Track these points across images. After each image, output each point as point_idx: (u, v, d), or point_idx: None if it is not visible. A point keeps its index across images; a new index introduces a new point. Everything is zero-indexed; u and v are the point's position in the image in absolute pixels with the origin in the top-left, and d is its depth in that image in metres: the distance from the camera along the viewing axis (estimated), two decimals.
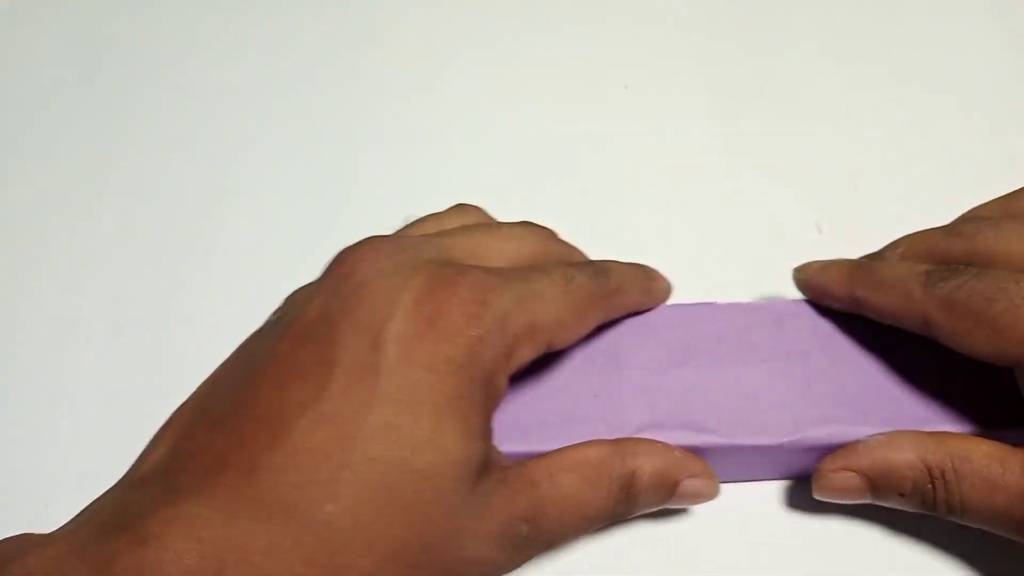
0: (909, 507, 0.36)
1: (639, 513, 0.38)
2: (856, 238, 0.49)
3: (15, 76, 0.58)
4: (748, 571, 0.40)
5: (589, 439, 0.38)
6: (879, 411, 0.39)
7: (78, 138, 0.55)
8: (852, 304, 0.39)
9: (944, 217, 0.49)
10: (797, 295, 0.42)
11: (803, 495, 0.41)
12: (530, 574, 0.39)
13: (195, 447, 0.31)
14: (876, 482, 0.36)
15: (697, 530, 0.40)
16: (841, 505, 0.40)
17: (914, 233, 0.41)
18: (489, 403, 0.33)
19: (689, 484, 0.37)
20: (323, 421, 0.30)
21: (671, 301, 0.42)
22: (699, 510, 0.41)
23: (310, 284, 0.37)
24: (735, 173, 0.52)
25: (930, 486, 0.35)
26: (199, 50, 0.58)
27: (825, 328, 0.41)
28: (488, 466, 0.33)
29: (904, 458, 0.36)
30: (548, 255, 0.40)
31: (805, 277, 0.42)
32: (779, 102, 0.55)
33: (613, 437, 0.38)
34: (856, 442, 0.37)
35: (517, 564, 0.34)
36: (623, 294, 0.39)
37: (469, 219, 0.41)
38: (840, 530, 0.40)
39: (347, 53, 0.58)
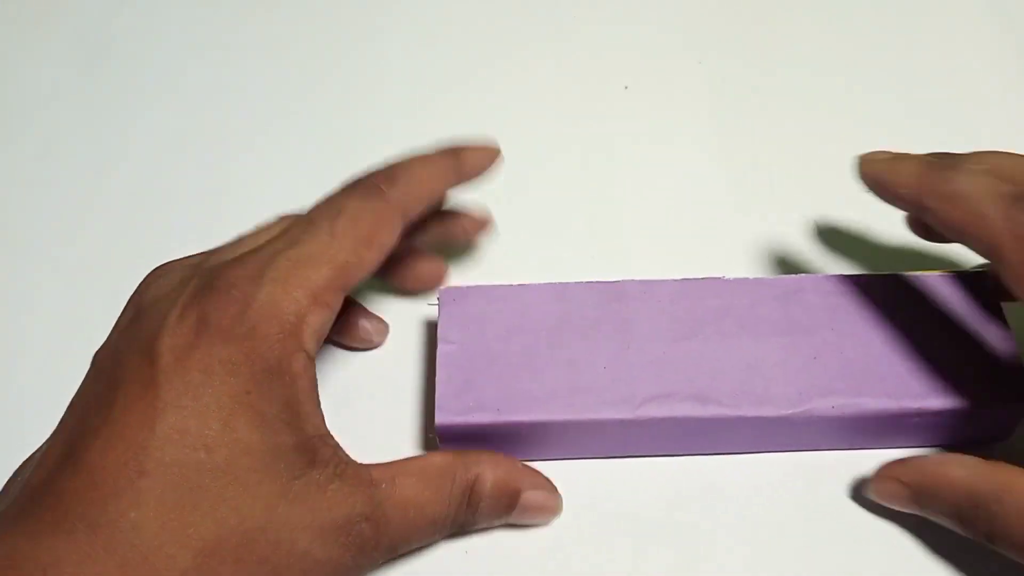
0: (951, 526, 0.36)
1: (484, 525, 0.38)
2: (854, 238, 0.50)
3: (15, 76, 0.58)
4: (751, 540, 0.40)
5: (598, 408, 0.39)
6: (883, 384, 0.39)
7: (78, 138, 0.55)
8: (917, 210, 0.37)
9: None
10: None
11: (806, 467, 0.41)
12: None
13: (16, 486, 0.34)
14: (920, 497, 0.36)
15: (704, 501, 0.41)
16: (848, 478, 0.41)
17: (1001, 152, 0.37)
18: (287, 390, 0.33)
19: (531, 496, 0.38)
20: (114, 439, 0.31)
21: (679, 276, 0.43)
22: (707, 482, 0.41)
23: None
24: (734, 173, 0.52)
25: (971, 512, 0.34)
26: (199, 50, 0.59)
27: (831, 302, 0.41)
28: (318, 456, 0.33)
29: (951, 480, 0.35)
30: None
31: (872, 169, 0.39)
32: (778, 102, 0.56)
33: (622, 407, 0.39)
34: (915, 456, 0.38)
35: (360, 569, 0.34)
36: (417, 191, 0.39)
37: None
38: (844, 504, 0.41)
39: (347, 52, 0.58)
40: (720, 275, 0.42)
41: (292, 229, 0.37)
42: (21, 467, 0.36)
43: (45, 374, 0.46)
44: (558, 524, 0.40)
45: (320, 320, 0.35)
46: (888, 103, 0.55)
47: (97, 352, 0.36)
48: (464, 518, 0.37)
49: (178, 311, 0.33)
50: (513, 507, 0.38)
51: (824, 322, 0.41)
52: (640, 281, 0.42)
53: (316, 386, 0.35)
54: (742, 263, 0.48)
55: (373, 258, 0.37)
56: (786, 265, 0.48)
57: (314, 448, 0.33)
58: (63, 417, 0.35)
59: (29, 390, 0.45)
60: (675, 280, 0.42)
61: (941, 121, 0.54)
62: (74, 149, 0.55)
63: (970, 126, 0.54)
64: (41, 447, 0.36)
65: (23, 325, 0.47)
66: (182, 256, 0.48)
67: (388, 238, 0.37)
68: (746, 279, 0.42)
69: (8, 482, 0.36)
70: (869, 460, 0.41)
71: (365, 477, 0.34)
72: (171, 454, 0.31)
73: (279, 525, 0.31)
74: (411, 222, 0.39)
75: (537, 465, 0.41)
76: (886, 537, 0.40)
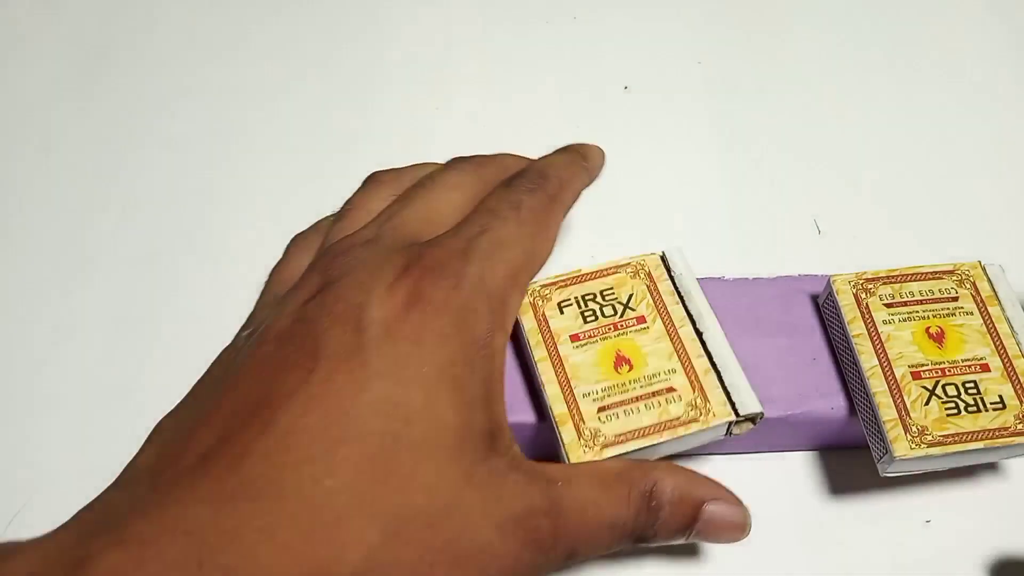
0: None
1: (664, 539, 0.34)
2: (855, 237, 0.50)
3: (15, 76, 0.58)
4: (751, 541, 0.39)
5: None
6: None
7: (78, 138, 0.55)
8: None
9: (942, 217, 0.50)
10: None
11: (806, 467, 0.42)
12: None
13: (181, 447, 0.30)
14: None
15: None
16: (849, 478, 0.41)
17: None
18: (489, 367, 0.33)
19: (715, 509, 0.34)
20: (314, 402, 0.30)
21: None
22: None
23: (276, 298, 0.37)
24: (734, 173, 0.52)
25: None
26: (200, 50, 0.59)
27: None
28: (498, 443, 0.32)
29: None
30: (487, 185, 0.39)
31: None
32: (778, 102, 0.56)
33: None
34: None
35: (536, 569, 0.31)
36: (569, 187, 0.40)
37: (392, 189, 0.40)
38: (844, 504, 0.41)
39: (348, 53, 0.58)
40: (720, 275, 0.42)
41: (478, 219, 0.36)
42: (170, 421, 0.34)
43: (45, 372, 0.46)
44: None
45: (517, 301, 0.36)
46: (887, 103, 0.55)
47: (270, 320, 0.34)
48: (644, 526, 0.33)
49: (386, 284, 0.33)
50: (695, 520, 0.34)
51: (823, 322, 0.41)
52: None
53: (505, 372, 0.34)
54: (742, 263, 0.48)
55: (548, 249, 0.38)
56: (786, 265, 0.48)
57: (496, 434, 0.32)
58: (222, 375, 0.33)
59: (29, 388, 0.45)
60: None
61: (940, 121, 0.55)
62: (74, 149, 0.54)
63: (969, 126, 0.54)
64: (191, 399, 0.34)
65: (23, 324, 0.47)
66: (185, 254, 0.49)
67: (556, 228, 0.38)
68: (746, 279, 0.42)
69: (160, 434, 0.33)
70: (869, 459, 0.41)
71: (540, 472, 0.32)
72: (372, 424, 0.29)
73: (463, 511, 0.30)
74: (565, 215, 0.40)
75: None
76: (886, 537, 0.40)
